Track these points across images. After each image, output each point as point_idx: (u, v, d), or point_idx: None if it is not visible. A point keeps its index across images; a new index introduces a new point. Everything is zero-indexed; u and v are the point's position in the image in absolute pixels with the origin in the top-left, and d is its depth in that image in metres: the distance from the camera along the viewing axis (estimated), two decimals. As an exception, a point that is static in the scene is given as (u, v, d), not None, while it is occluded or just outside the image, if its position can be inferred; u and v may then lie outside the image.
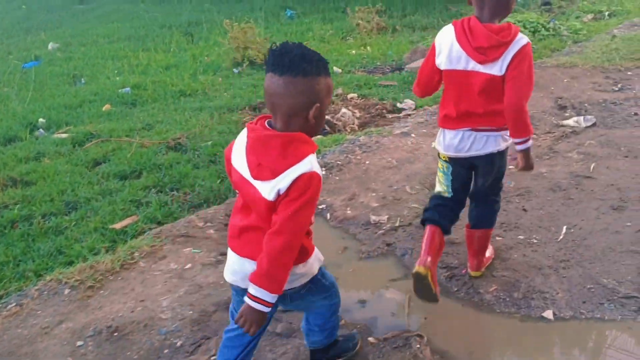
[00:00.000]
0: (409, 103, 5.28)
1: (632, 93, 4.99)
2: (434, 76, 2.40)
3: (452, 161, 2.48)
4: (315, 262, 1.89)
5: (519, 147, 2.33)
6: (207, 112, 5.28)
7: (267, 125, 1.71)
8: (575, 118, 4.43)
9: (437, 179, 2.58)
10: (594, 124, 4.36)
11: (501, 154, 2.43)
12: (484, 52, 2.23)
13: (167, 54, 8.27)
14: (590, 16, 7.99)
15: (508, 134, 2.36)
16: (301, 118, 1.66)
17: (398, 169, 3.83)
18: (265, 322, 1.83)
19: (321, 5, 10.98)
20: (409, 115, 5.07)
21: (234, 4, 12.43)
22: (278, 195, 1.65)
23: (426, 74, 2.42)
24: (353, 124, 5.04)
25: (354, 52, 7.44)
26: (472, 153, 2.40)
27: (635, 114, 4.49)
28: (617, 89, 5.16)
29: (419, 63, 6.00)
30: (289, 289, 1.82)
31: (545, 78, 5.42)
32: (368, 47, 7.69)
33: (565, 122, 4.42)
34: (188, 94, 6.11)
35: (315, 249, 1.89)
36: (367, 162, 3.96)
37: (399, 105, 5.29)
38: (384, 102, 5.41)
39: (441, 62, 2.33)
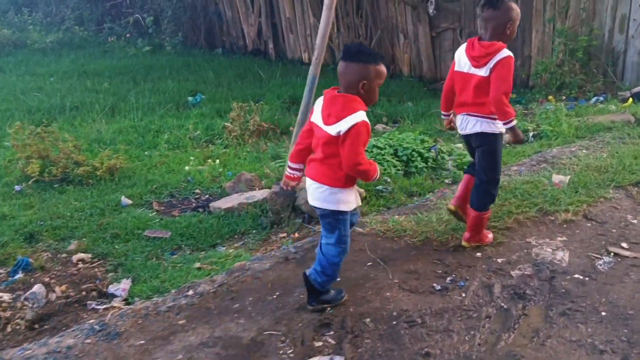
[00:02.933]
0: (123, 286, 3.57)
1: (459, 298, 3.14)
2: (452, 79, 3.51)
3: (463, 137, 3.64)
4: (352, 197, 2.86)
5: (505, 127, 3.32)
6: None
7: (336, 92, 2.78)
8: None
9: None
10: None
11: (487, 136, 3.41)
12: (477, 60, 3.30)
13: None
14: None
15: (493, 121, 3.35)
16: (355, 89, 2.72)
17: None
18: None
19: (233, 91, 9.46)
20: (109, 310, 3.35)
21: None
22: (339, 134, 2.65)
23: (449, 76, 3.54)
24: (24, 318, 3.35)
25: (188, 167, 5.79)
26: (467, 131, 3.47)
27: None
28: (440, 287, 3.31)
29: (233, 201, 4.39)
30: (319, 207, 2.86)
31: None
32: (217, 160, 6.05)
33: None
34: None
35: (357, 191, 2.91)
36: None
37: (110, 288, 3.58)
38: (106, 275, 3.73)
39: (455, 66, 3.45)
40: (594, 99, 8.14)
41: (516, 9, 3.33)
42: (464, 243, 3.68)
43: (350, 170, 2.72)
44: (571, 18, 8.77)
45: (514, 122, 3.29)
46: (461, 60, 3.40)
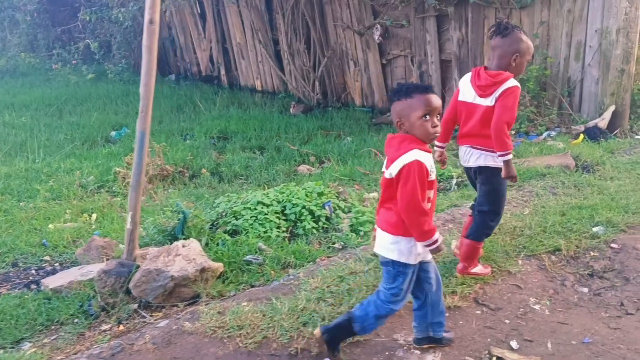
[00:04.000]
0: None
1: None
2: (454, 108, 3.38)
3: (465, 169, 3.56)
4: (416, 249, 2.59)
5: (501, 159, 3.17)
6: None
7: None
8: None
9: None
10: None
11: (490, 170, 3.29)
12: (483, 89, 3.20)
13: None
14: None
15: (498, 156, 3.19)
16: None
17: None
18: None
19: (163, 124, 8.71)
20: None
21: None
22: (391, 176, 2.55)
23: (451, 105, 3.41)
24: None
25: (52, 226, 4.98)
26: (470, 164, 3.37)
27: None
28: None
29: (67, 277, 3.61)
30: (379, 254, 2.69)
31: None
32: (93, 215, 5.27)
33: None
34: None
35: (420, 246, 2.58)
36: None
37: None
38: None
39: (459, 96, 3.34)
40: (546, 133, 7.39)
41: (527, 41, 3.22)
42: (457, 274, 3.51)
43: (404, 217, 2.52)
44: (524, 45, 8.04)
45: (510, 156, 3.18)
46: (466, 89, 3.32)
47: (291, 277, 3.69)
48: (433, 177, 2.59)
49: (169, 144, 7.45)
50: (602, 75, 7.41)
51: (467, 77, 3.35)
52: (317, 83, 10.29)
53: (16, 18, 14.09)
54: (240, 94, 11.54)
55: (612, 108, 7.25)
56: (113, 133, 8.39)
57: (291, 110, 9.47)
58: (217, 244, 4.00)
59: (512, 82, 3.15)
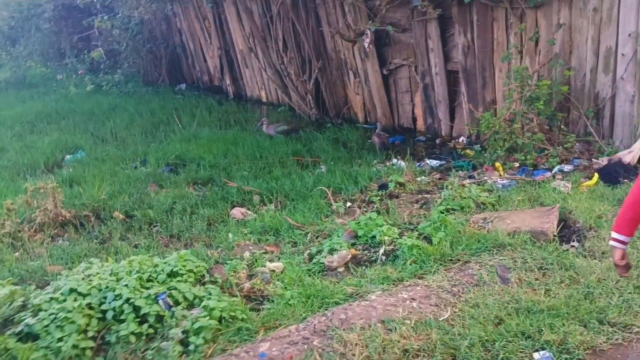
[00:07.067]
0: None
1: None
2: None
3: None
4: None
5: None
6: None
7: None
8: None
9: None
10: None
11: None
12: None
13: None
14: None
15: None
16: None
17: None
18: None
19: (126, 147, 7.77)
20: None
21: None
22: None
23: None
24: None
25: None
26: None
27: None
28: None
29: None
30: None
31: None
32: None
33: None
34: None
35: None
36: None
37: None
38: None
39: None
40: (557, 168, 5.79)
41: None
42: None
43: None
44: (541, 54, 6.43)
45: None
46: None
47: None
48: None
49: (109, 174, 6.51)
50: (638, 91, 5.71)
51: None
52: (310, 97, 9.01)
53: (39, 26, 13.77)
54: (242, 106, 10.50)
55: (644, 137, 5.53)
56: (68, 157, 7.57)
57: (264, 128, 8.24)
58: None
59: None
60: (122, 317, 3.17)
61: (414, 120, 8.35)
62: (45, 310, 3.16)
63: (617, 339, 2.85)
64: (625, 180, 5.10)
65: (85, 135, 8.41)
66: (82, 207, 5.47)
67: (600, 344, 2.82)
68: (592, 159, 5.77)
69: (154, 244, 4.79)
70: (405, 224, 4.46)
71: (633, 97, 5.77)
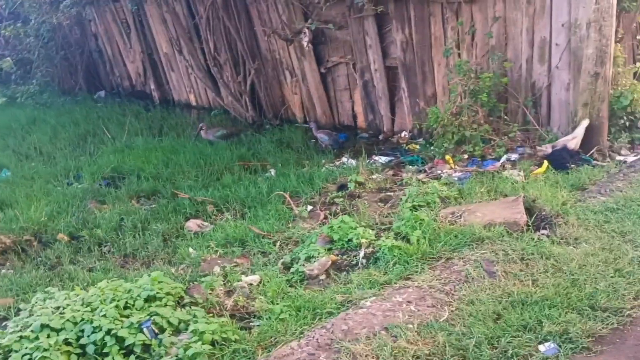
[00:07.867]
0: None
1: None
2: None
3: None
4: None
5: None
6: None
7: None
8: None
9: None
10: None
11: None
12: None
13: None
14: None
15: None
16: None
17: None
18: None
19: (55, 163, 7.24)
20: None
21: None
22: None
23: None
24: None
25: None
26: None
27: None
28: None
29: None
30: None
31: None
32: None
33: None
34: None
35: None
36: None
37: None
38: None
39: None
40: (505, 157, 5.94)
41: None
42: None
43: None
44: (478, 47, 6.57)
45: None
46: None
47: None
48: None
49: (42, 193, 6.03)
50: (573, 79, 5.95)
51: None
52: (246, 98, 8.80)
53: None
54: (171, 111, 10.08)
55: (585, 123, 5.79)
56: (-12, 178, 6.95)
57: (202, 134, 7.95)
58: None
59: None
60: (105, 350, 2.90)
61: (354, 117, 8.35)
62: (17, 351, 2.83)
63: (612, 324, 2.92)
64: (573, 166, 5.31)
65: (7, 152, 7.76)
66: (22, 232, 5.02)
67: (599, 330, 2.87)
68: (536, 147, 5.97)
69: (109, 266, 4.46)
70: (377, 224, 4.41)
71: (568, 85, 6.01)
